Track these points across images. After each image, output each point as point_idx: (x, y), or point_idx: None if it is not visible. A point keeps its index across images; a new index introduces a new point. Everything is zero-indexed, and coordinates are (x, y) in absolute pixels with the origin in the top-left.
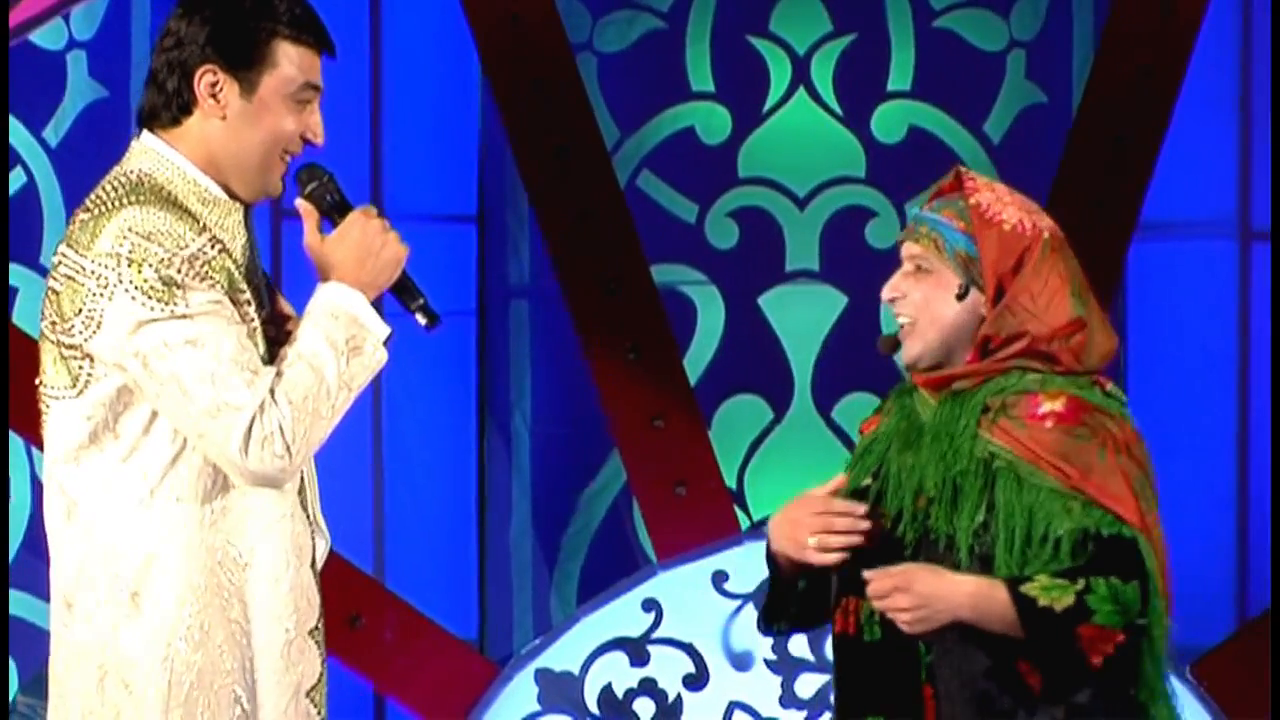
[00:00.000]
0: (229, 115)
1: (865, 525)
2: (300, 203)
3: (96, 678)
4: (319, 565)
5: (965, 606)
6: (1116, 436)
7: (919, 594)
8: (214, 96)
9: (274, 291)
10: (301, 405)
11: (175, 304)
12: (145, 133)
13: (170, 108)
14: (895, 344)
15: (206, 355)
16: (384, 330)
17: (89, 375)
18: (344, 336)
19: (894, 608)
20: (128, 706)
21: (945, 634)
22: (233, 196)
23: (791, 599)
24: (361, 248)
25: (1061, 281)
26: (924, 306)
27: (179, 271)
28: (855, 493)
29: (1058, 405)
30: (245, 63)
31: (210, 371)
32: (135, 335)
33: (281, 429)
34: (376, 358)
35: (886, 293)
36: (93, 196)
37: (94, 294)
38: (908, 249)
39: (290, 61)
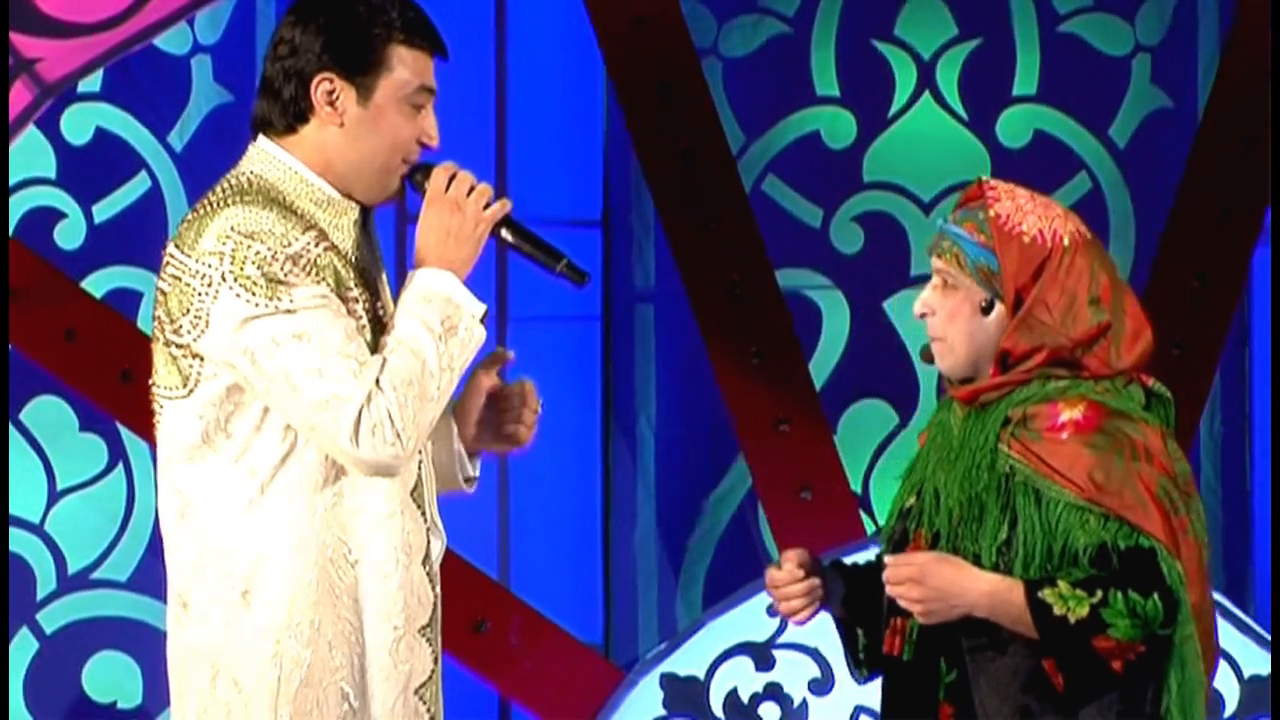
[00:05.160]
0: (347, 122)
1: (801, 587)
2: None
3: (209, 675)
4: (434, 564)
5: (981, 605)
6: (1136, 442)
7: (933, 587)
8: (331, 104)
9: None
10: (407, 390)
11: (280, 299)
12: (261, 137)
13: (286, 115)
14: (932, 356)
15: (313, 349)
16: (478, 307)
17: (199, 374)
18: (439, 318)
19: (907, 598)
20: (238, 704)
21: (979, 649)
22: (348, 198)
23: (860, 644)
24: (439, 229)
25: (1081, 289)
26: (951, 322)
27: (282, 269)
28: (902, 513)
29: (1076, 414)
30: (361, 69)
31: (317, 365)
32: (242, 332)
33: (390, 416)
34: (475, 335)
35: (917, 308)
36: (202, 199)
37: (199, 293)
38: (934, 263)
39: (405, 65)
